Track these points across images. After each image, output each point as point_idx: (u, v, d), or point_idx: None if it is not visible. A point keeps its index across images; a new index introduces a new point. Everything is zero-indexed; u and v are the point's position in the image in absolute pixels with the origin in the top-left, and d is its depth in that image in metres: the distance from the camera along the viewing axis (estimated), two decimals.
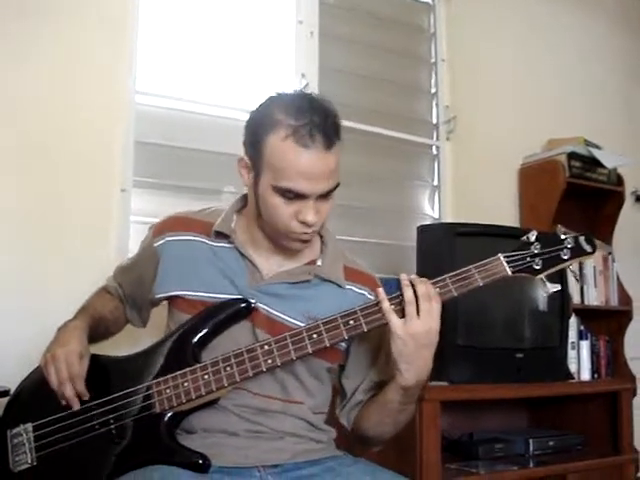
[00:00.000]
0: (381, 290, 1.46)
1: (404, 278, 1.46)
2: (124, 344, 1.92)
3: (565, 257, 1.49)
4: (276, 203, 1.45)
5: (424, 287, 1.44)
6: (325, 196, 1.47)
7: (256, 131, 1.48)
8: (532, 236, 1.50)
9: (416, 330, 1.40)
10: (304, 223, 1.45)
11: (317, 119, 1.42)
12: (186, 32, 2.78)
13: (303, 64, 3.02)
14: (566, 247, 1.49)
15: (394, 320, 1.41)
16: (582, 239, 1.50)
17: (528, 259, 1.48)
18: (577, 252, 1.49)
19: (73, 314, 1.63)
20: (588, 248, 1.50)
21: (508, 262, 1.48)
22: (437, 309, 1.43)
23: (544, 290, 1.51)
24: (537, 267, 1.48)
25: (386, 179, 3.25)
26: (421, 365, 1.44)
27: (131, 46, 2.60)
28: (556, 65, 3.73)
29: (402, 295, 1.43)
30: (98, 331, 1.63)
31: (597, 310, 3.38)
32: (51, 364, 1.46)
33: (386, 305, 1.43)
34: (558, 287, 1.50)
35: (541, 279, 1.49)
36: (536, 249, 1.49)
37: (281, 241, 1.52)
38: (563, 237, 1.50)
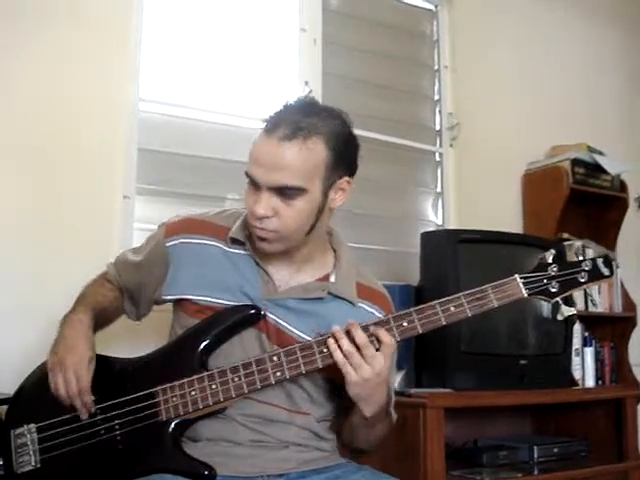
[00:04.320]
0: (332, 341, 1.41)
1: (333, 337, 1.41)
2: (127, 344, 1.93)
3: (582, 280, 1.47)
4: (246, 191, 1.48)
5: (361, 336, 1.40)
6: (284, 196, 1.42)
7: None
8: (549, 256, 1.47)
9: (367, 376, 1.39)
10: (254, 214, 1.44)
11: (293, 114, 1.43)
12: (190, 39, 2.79)
13: (306, 71, 3.02)
14: (584, 270, 1.46)
15: (348, 370, 1.39)
16: (600, 261, 1.47)
17: (545, 281, 1.46)
18: (595, 275, 1.47)
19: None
20: (606, 271, 1.47)
21: (524, 284, 1.45)
22: (384, 351, 1.40)
23: (559, 314, 1.48)
24: (553, 290, 1.46)
25: (389, 186, 3.25)
26: (377, 400, 1.45)
27: (135, 53, 2.60)
28: (559, 71, 3.73)
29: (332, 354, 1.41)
30: (98, 322, 1.61)
31: (601, 316, 3.38)
32: (59, 373, 1.45)
33: (339, 357, 1.40)
34: (573, 311, 1.48)
35: (556, 302, 1.47)
36: (553, 271, 1.46)
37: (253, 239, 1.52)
38: (581, 259, 1.48)
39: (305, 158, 1.41)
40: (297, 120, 1.41)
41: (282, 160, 1.40)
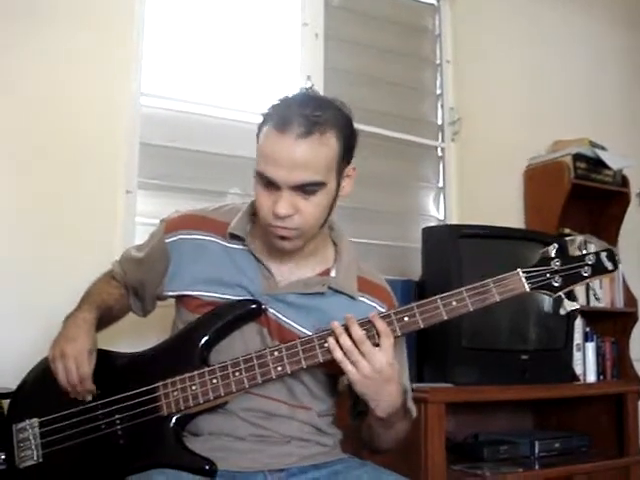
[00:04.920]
0: (331, 339, 1.40)
1: (332, 335, 1.41)
2: (129, 339, 1.93)
3: (585, 274, 1.45)
4: (259, 192, 1.46)
5: (357, 332, 1.39)
6: (304, 192, 1.43)
7: (260, 124, 1.49)
8: (552, 250, 1.46)
9: (366, 372, 1.38)
10: (276, 215, 1.43)
11: (302, 109, 1.41)
12: (191, 34, 2.78)
13: (308, 66, 3.02)
14: (587, 264, 1.45)
15: (348, 368, 1.39)
16: (603, 255, 1.46)
17: (548, 275, 1.44)
18: (598, 269, 1.45)
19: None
20: (609, 265, 1.45)
21: (527, 278, 1.44)
22: (383, 344, 1.40)
23: (562, 308, 1.47)
24: (556, 284, 1.44)
25: (391, 181, 3.25)
26: (388, 399, 1.43)
27: (137, 48, 2.60)
28: (561, 66, 3.72)
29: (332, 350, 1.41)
30: (103, 320, 1.63)
31: (603, 312, 3.37)
32: (60, 362, 1.47)
33: (339, 355, 1.40)
34: (576, 306, 1.47)
35: (559, 296, 1.45)
36: (556, 265, 1.45)
37: (268, 238, 1.51)
38: (584, 253, 1.46)
39: (322, 153, 1.42)
40: (309, 116, 1.40)
41: (302, 158, 1.40)
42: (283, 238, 1.47)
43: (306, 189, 1.42)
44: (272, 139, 1.42)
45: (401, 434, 1.58)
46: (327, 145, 1.43)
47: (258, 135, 1.48)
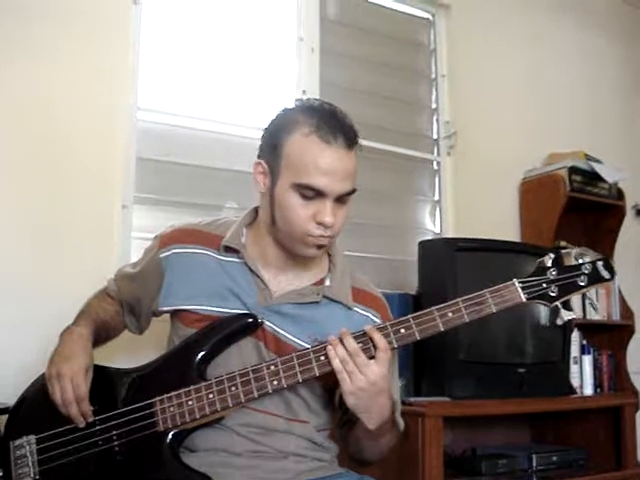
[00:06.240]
0: (330, 348, 1.40)
1: (330, 345, 1.41)
2: (125, 355, 1.92)
3: (582, 284, 1.45)
4: (295, 204, 1.45)
5: (352, 344, 1.39)
6: (342, 201, 1.47)
7: (276, 134, 1.49)
8: (548, 260, 1.46)
9: (361, 385, 1.38)
10: (321, 224, 1.44)
11: (337, 121, 1.46)
12: (188, 48, 2.79)
13: (304, 80, 3.03)
14: (583, 273, 1.45)
15: (344, 377, 1.39)
16: (600, 264, 1.45)
17: (544, 285, 1.44)
18: (594, 279, 1.45)
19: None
20: (606, 274, 1.45)
21: (523, 288, 1.43)
22: (380, 357, 1.39)
23: (559, 318, 1.46)
24: (553, 294, 1.44)
25: (387, 194, 3.25)
26: (378, 411, 1.43)
27: (133, 62, 2.61)
28: (557, 79, 3.74)
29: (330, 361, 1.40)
30: (99, 337, 1.62)
31: (599, 324, 3.38)
32: (56, 382, 1.46)
33: (337, 364, 1.39)
34: (573, 315, 1.47)
35: (556, 306, 1.45)
36: (552, 275, 1.44)
37: (296, 248, 1.50)
38: (580, 262, 1.46)
39: (356, 163, 1.49)
40: (348, 128, 1.47)
41: (349, 168, 1.46)
42: (320, 247, 1.50)
43: (345, 198, 1.47)
44: (319, 150, 1.43)
45: (387, 446, 1.58)
46: (356, 155, 1.49)
47: (280, 146, 1.47)
